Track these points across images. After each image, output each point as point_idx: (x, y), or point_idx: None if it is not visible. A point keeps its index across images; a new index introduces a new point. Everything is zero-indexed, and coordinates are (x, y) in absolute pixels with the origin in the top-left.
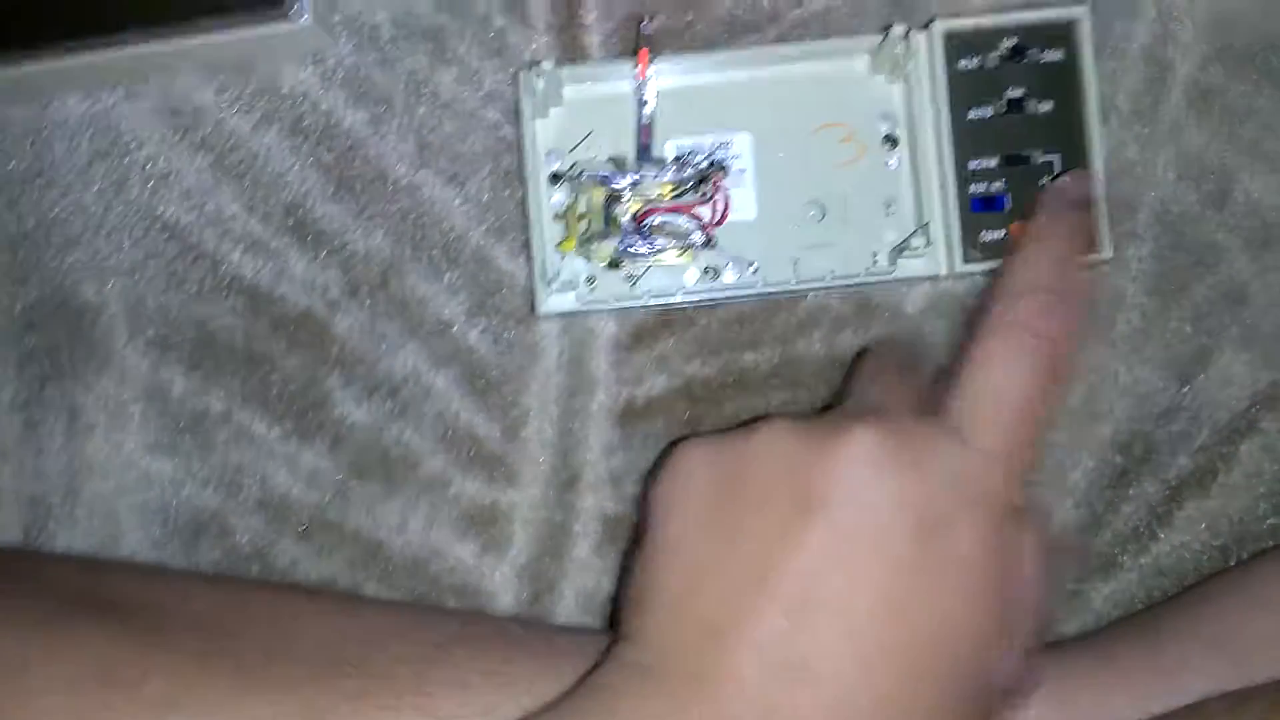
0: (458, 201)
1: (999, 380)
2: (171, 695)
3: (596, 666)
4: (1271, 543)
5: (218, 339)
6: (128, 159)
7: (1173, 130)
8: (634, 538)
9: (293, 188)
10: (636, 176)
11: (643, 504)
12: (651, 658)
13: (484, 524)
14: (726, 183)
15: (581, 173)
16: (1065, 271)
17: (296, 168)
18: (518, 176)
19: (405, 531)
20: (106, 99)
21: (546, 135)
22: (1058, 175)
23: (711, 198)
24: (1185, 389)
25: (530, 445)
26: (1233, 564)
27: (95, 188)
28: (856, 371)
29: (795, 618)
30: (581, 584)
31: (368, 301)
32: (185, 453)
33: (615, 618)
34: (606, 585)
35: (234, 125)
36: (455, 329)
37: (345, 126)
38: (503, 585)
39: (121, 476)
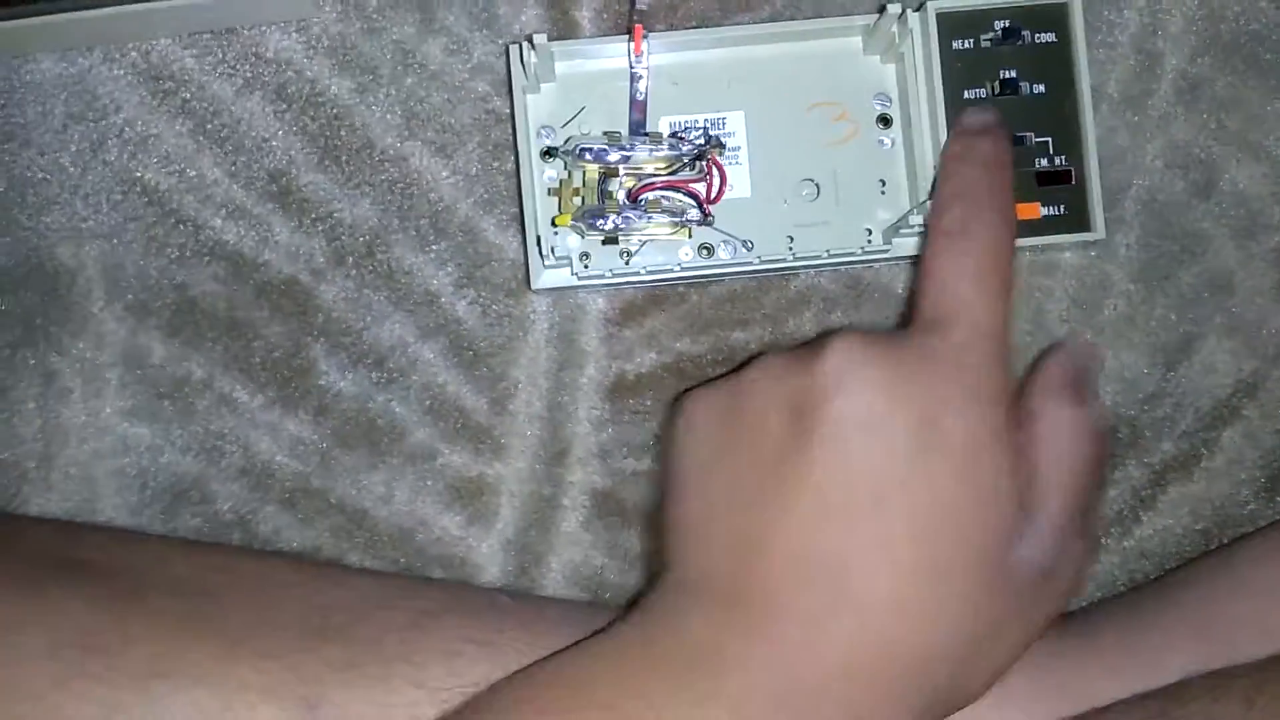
0: (446, 173)
1: (946, 275)
2: (155, 662)
3: (643, 593)
4: (1252, 527)
5: (199, 305)
6: (105, 122)
7: (1162, 119)
8: (662, 489)
9: (276, 154)
10: (631, 151)
11: (663, 456)
12: (693, 575)
13: (471, 496)
14: (722, 159)
15: (576, 147)
16: (987, 175)
17: (280, 134)
18: (507, 149)
19: (391, 502)
20: (82, 62)
21: (539, 110)
22: (1052, 156)
23: (707, 174)
24: (1170, 375)
25: (518, 418)
26: (1214, 548)
27: (72, 149)
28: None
29: (805, 518)
30: (569, 558)
31: (353, 271)
32: (165, 419)
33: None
34: (595, 559)
35: (216, 90)
36: (443, 300)
37: (331, 94)
38: (489, 558)
39: (98, 442)
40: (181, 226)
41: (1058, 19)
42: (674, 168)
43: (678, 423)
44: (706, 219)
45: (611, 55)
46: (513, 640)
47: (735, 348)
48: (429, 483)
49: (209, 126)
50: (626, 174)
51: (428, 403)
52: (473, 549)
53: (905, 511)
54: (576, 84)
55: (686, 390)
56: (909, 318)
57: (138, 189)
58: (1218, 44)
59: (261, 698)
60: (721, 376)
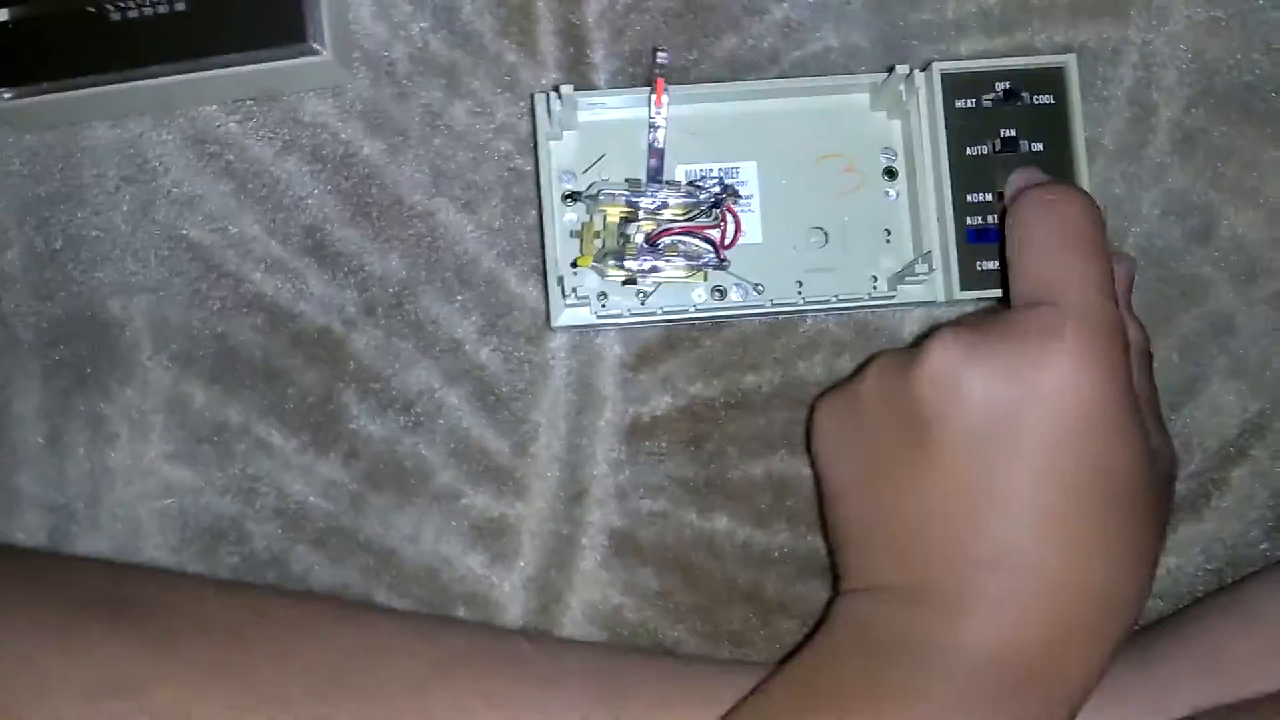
0: (470, 227)
1: (1039, 249)
2: (178, 706)
3: (831, 601)
4: (1264, 564)
5: (238, 354)
6: (154, 183)
7: (1158, 169)
8: (819, 493)
9: (312, 211)
10: (652, 197)
11: (812, 466)
12: (867, 581)
13: (493, 535)
14: (736, 207)
15: (599, 192)
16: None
17: (316, 193)
18: (529, 204)
19: (417, 541)
20: (134, 127)
21: (561, 156)
22: None
23: (722, 220)
24: (1175, 416)
25: (539, 460)
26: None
27: (124, 209)
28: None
29: (961, 523)
30: (588, 596)
31: (383, 321)
32: (205, 462)
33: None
34: (613, 597)
35: (257, 153)
36: (467, 347)
37: (363, 155)
38: (510, 596)
39: (143, 484)
40: (223, 280)
41: (1055, 81)
42: (691, 214)
43: (814, 437)
44: (722, 263)
45: (631, 105)
46: (524, 697)
47: (747, 390)
48: (454, 523)
49: (249, 186)
50: (645, 219)
51: (453, 445)
52: (495, 587)
53: (1061, 493)
54: (597, 132)
55: (819, 397)
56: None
57: (183, 246)
58: (1212, 95)
59: None
60: (843, 382)
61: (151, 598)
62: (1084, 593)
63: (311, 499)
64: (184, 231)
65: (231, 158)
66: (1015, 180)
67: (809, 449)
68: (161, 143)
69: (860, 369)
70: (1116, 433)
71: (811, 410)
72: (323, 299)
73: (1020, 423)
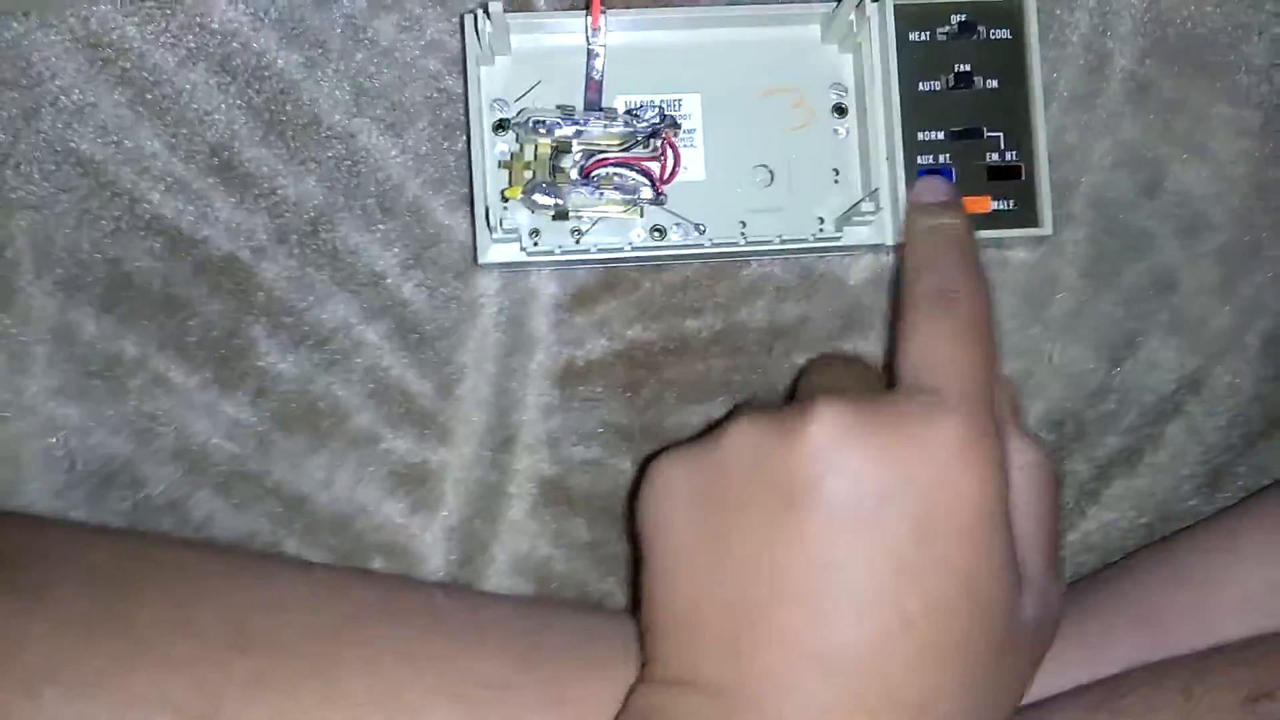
0: (395, 151)
1: (931, 337)
2: (49, 665)
3: (632, 690)
4: (1193, 521)
5: (133, 281)
6: (39, 89)
7: (1110, 119)
8: (634, 559)
9: (219, 128)
10: (585, 126)
11: (632, 527)
12: (682, 673)
13: (414, 482)
14: (676, 141)
15: (529, 120)
16: (959, 246)
17: (223, 107)
18: (458, 129)
19: (331, 487)
20: (17, 27)
21: (492, 83)
22: (1003, 151)
23: (661, 153)
24: (1115, 371)
25: (464, 403)
26: (1156, 541)
27: (3, 116)
28: (803, 373)
29: (809, 609)
30: (515, 547)
31: (296, 249)
32: (95, 398)
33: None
34: (541, 548)
35: (157, 60)
36: (389, 281)
37: (278, 68)
38: (432, 547)
39: (23, 422)
40: (117, 199)
41: (1012, 16)
42: (628, 144)
43: (651, 498)
44: (659, 198)
45: (568, 31)
46: (438, 649)
47: (688, 335)
48: (371, 468)
49: (148, 97)
50: (579, 150)
51: (371, 386)
52: (415, 537)
53: (918, 596)
54: (532, 59)
55: (654, 455)
56: (890, 379)
57: (72, 159)
58: (1165, 46)
59: (156, 711)
60: (693, 440)
61: (24, 547)
62: (919, 716)
63: (214, 440)
64: (73, 144)
65: (128, 65)
66: (920, 192)
67: (632, 512)
68: (49, 44)
69: (712, 428)
70: (984, 543)
71: (643, 467)
72: (229, 224)
73: (889, 511)
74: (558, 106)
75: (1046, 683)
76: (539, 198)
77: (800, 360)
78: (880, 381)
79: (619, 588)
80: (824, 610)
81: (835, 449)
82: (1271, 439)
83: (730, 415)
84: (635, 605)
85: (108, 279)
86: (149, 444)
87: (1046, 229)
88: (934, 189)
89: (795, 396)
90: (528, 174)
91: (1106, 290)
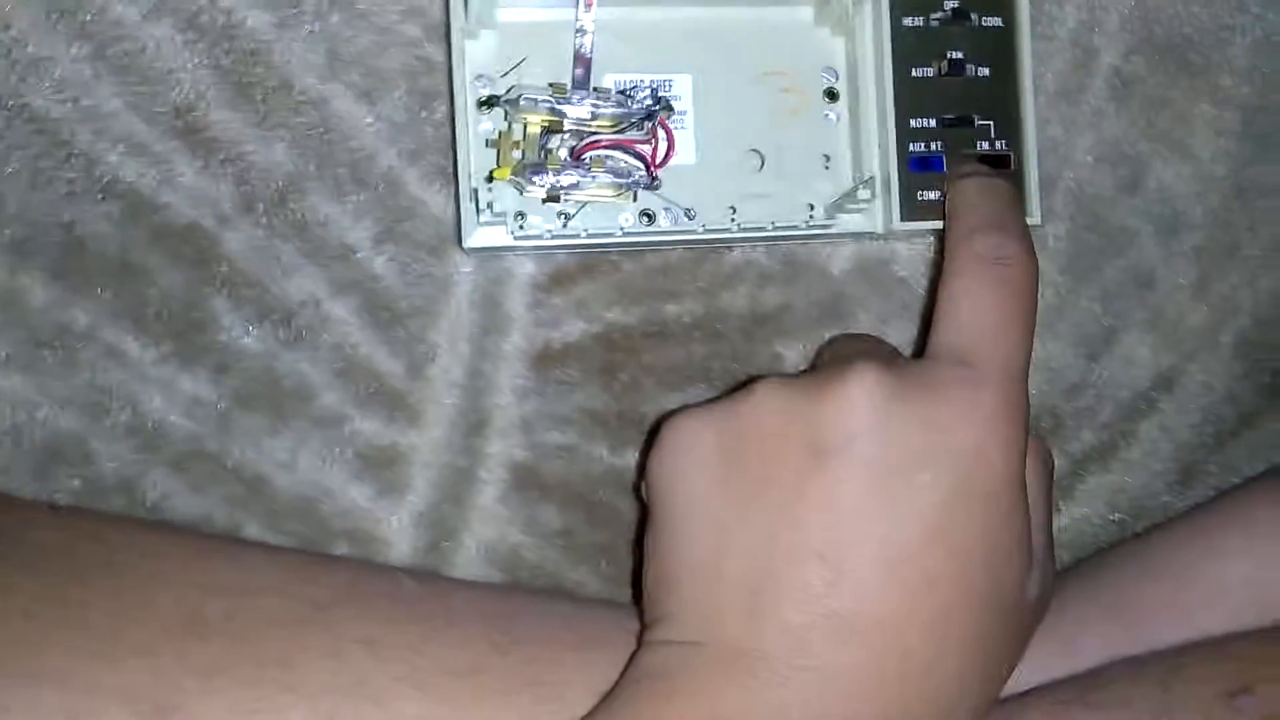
0: (369, 120)
1: (978, 304)
2: None
3: (634, 656)
4: (1165, 518)
5: (87, 247)
6: None
7: (1094, 114)
8: (641, 524)
9: (184, 88)
10: (578, 105)
11: (645, 488)
12: (692, 633)
13: (381, 466)
14: (670, 123)
15: (519, 96)
16: (1014, 209)
17: (189, 67)
18: (437, 98)
19: (294, 469)
20: None
21: (476, 57)
22: (994, 140)
23: (654, 136)
24: (1093, 366)
25: (436, 384)
26: (1128, 536)
27: None
28: (828, 345)
29: (833, 566)
30: (484, 534)
31: (263, 219)
32: (43, 370)
33: (638, 603)
34: (512, 535)
35: (120, 13)
36: (359, 255)
37: (248, 27)
38: (399, 533)
39: None
40: (73, 160)
41: (1005, 4)
42: (620, 127)
43: (669, 454)
44: (654, 182)
45: (557, 5)
46: (405, 637)
47: (668, 320)
48: (337, 450)
49: (109, 53)
50: (570, 130)
51: (338, 364)
52: (381, 522)
53: (942, 562)
54: (518, 33)
55: (670, 414)
56: (923, 341)
57: (24, 116)
58: (1150, 44)
59: (111, 702)
60: (713, 400)
61: None
62: (941, 684)
63: (172, 417)
64: (26, 99)
65: (88, 17)
66: (962, 172)
67: (642, 472)
68: None
69: (731, 391)
70: (1008, 515)
71: (655, 429)
72: (193, 190)
73: (922, 475)
74: (549, 84)
75: (1021, 676)
76: (528, 178)
77: (781, 348)
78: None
79: (591, 577)
80: (847, 568)
81: (872, 408)
82: (1243, 437)
83: (754, 379)
84: (636, 577)
85: (60, 244)
86: (100, 420)
87: (1036, 219)
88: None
89: (818, 367)
90: (516, 154)
91: (1086, 286)
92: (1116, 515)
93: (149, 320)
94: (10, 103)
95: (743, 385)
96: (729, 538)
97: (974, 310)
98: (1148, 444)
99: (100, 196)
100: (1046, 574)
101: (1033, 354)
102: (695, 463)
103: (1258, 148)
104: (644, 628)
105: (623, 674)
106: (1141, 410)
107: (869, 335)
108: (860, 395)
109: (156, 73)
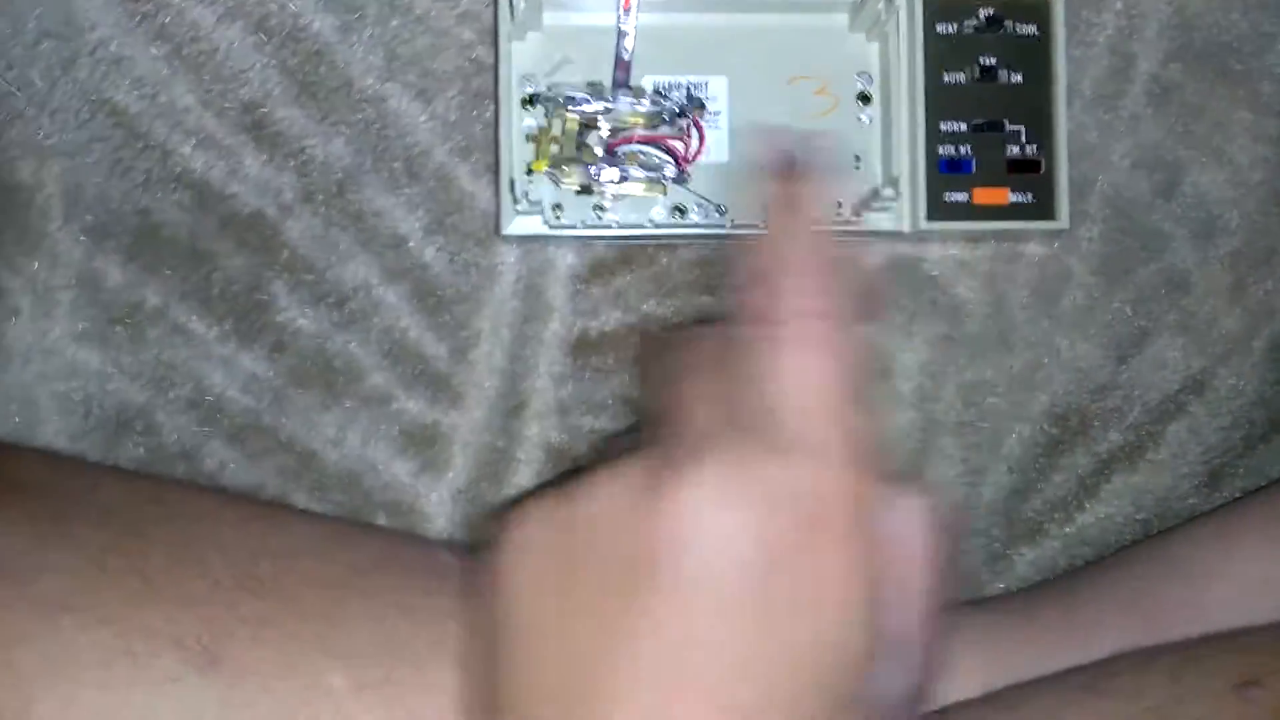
0: (424, 118)
1: (811, 384)
2: (65, 595)
3: None
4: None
5: (160, 232)
6: (78, 40)
7: (1132, 121)
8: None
9: (253, 86)
10: (613, 104)
11: (490, 582)
12: None
13: (424, 443)
14: (702, 121)
15: (558, 94)
16: (824, 242)
17: (258, 66)
18: (488, 98)
19: (341, 444)
20: None
21: (522, 58)
22: (1024, 145)
23: (687, 133)
24: (1122, 368)
25: (478, 368)
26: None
27: (42, 64)
28: (671, 369)
29: (655, 694)
30: None
31: (322, 209)
32: (115, 345)
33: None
34: None
35: (196, 16)
36: (411, 244)
37: (313, 30)
38: (438, 507)
39: (44, 364)
40: (149, 151)
41: (1040, 13)
42: (654, 123)
43: (510, 553)
44: (683, 175)
45: (599, 10)
46: (441, 605)
47: (702, 312)
48: (382, 427)
49: (185, 53)
50: (606, 126)
51: (387, 347)
52: (421, 497)
53: (772, 666)
54: (562, 36)
55: (519, 500)
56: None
57: (106, 110)
58: (1189, 51)
59: (165, 646)
60: (557, 486)
61: (41, 481)
62: None
63: (230, 392)
64: (109, 95)
65: (167, 20)
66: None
67: (493, 567)
68: None
69: (574, 473)
70: (848, 624)
71: (503, 515)
72: (258, 181)
73: (751, 593)
74: (587, 84)
75: (1043, 666)
76: (564, 172)
77: None
78: (742, 368)
79: None
80: (668, 694)
81: (698, 523)
82: (1272, 442)
83: (599, 457)
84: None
85: (135, 229)
86: (165, 393)
87: (1063, 222)
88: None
89: (653, 399)
90: (554, 148)
91: (1118, 288)
92: (1141, 515)
93: (213, 301)
94: (93, 98)
95: (595, 462)
96: (554, 653)
97: (802, 385)
98: (1175, 446)
99: (173, 186)
100: (910, 659)
101: (1060, 354)
102: (532, 566)
103: None
104: None
105: None
106: (1170, 412)
107: (709, 342)
108: (684, 510)
109: (228, 71)
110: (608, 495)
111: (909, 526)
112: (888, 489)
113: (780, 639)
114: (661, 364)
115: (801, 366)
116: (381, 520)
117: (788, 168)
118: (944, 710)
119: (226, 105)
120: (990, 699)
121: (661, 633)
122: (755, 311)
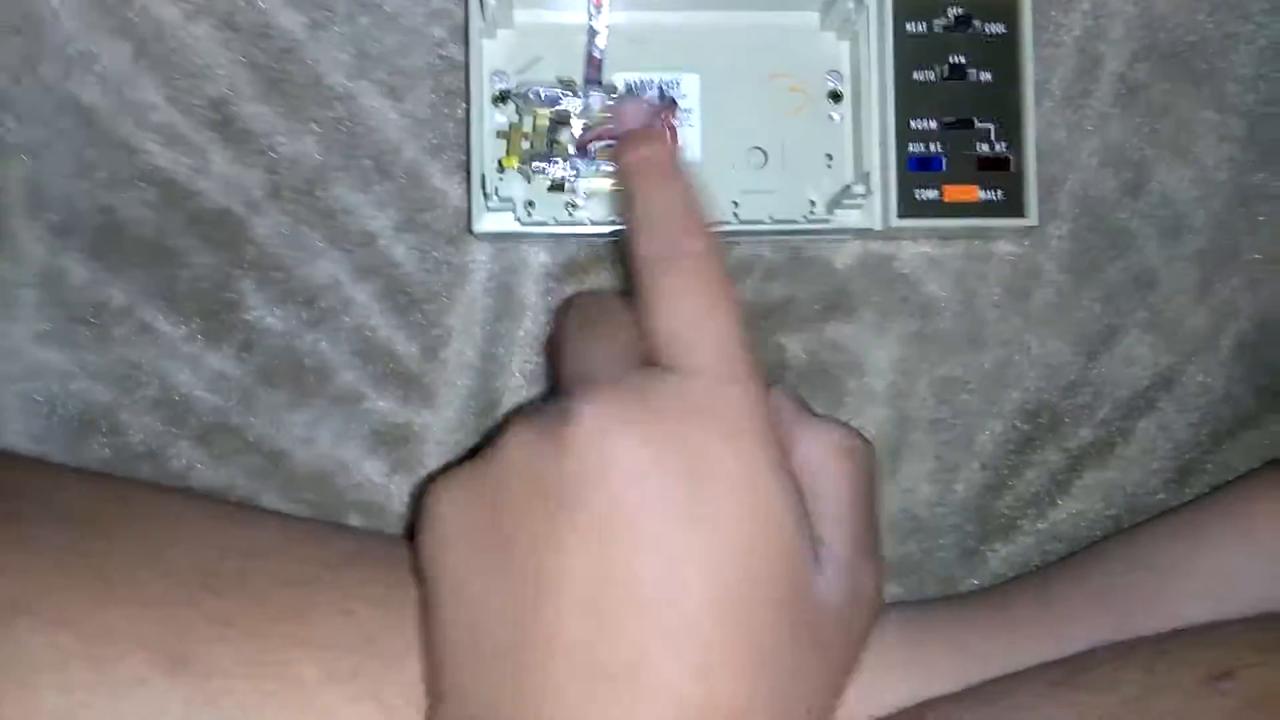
0: (394, 115)
1: (668, 313)
2: (24, 596)
3: None
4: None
5: (125, 229)
6: (42, 35)
7: (1099, 120)
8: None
9: (220, 83)
10: (585, 99)
11: (415, 560)
12: (472, 708)
13: (395, 443)
14: (674, 119)
15: (529, 90)
16: (669, 183)
17: (225, 63)
18: (459, 96)
19: (312, 444)
20: None
21: (493, 56)
22: (993, 142)
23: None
24: (1092, 364)
25: (449, 367)
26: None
27: (4, 61)
28: (561, 333)
29: (587, 619)
30: None
31: (290, 206)
32: (79, 344)
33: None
34: None
35: (162, 12)
36: (381, 242)
37: (282, 27)
38: (410, 507)
39: (6, 364)
40: (114, 149)
41: (1008, 12)
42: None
43: (429, 526)
44: None
45: (571, 7)
46: (409, 597)
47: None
48: (353, 426)
49: (152, 49)
50: (577, 123)
51: (358, 345)
52: (393, 497)
53: (696, 589)
54: (534, 34)
55: (431, 478)
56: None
57: (71, 107)
58: (1156, 52)
59: (128, 648)
60: (469, 459)
61: (1, 481)
62: (717, 704)
63: (197, 392)
64: (73, 92)
65: (133, 15)
66: (625, 117)
67: (413, 545)
68: None
69: (490, 441)
70: (763, 525)
71: (421, 496)
72: (225, 178)
73: (657, 506)
74: (558, 79)
75: (1017, 660)
76: (535, 167)
77: (784, 340)
78: (636, 327)
79: None
80: (602, 617)
81: (597, 449)
82: (1239, 438)
83: (504, 424)
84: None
85: (100, 226)
86: (131, 392)
87: (1033, 220)
88: (635, 115)
89: (557, 371)
90: (525, 145)
91: (1087, 286)
92: (1112, 511)
93: (180, 299)
94: (58, 95)
95: (499, 429)
96: (489, 609)
97: (673, 318)
98: (1145, 442)
99: (139, 183)
100: (857, 573)
101: (1030, 351)
102: (453, 533)
103: (1261, 154)
104: (429, 707)
105: None
106: (1140, 408)
107: (601, 305)
108: (582, 438)
109: (195, 68)
110: (515, 446)
111: (825, 449)
112: (805, 417)
113: (710, 548)
114: (563, 326)
115: (690, 292)
116: (354, 521)
117: (640, 132)
118: (920, 705)
119: (194, 102)
120: (966, 694)
121: (584, 566)
122: (645, 257)
